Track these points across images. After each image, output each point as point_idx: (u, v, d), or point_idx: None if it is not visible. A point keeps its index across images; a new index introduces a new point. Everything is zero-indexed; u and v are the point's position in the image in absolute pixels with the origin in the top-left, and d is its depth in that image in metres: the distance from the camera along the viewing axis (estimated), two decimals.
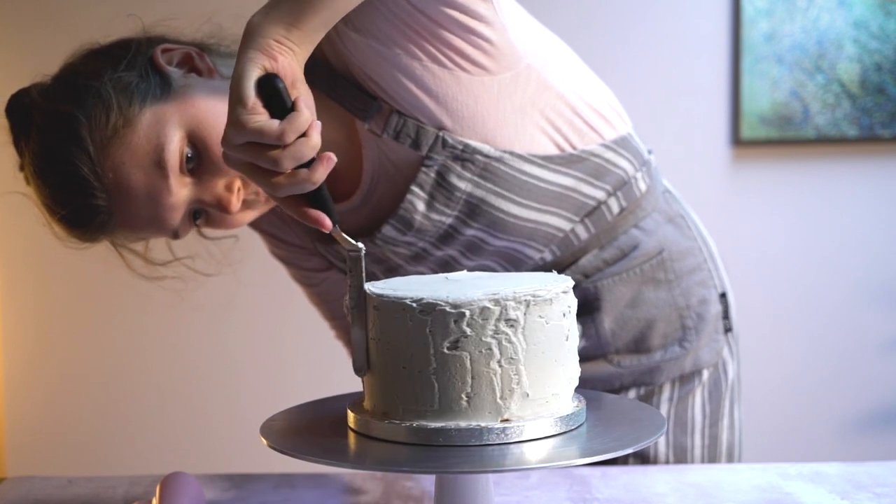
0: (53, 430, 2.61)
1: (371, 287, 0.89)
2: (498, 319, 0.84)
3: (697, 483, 1.16)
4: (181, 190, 1.12)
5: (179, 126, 1.11)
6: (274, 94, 0.85)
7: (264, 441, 0.89)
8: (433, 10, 1.07)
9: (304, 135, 0.85)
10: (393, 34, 1.09)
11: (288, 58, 0.87)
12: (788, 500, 1.10)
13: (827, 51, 2.52)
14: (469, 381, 0.85)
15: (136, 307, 2.45)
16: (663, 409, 1.28)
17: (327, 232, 0.89)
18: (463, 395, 0.85)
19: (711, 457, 1.31)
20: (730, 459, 1.33)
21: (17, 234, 2.47)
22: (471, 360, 0.84)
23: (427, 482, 1.19)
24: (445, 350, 0.84)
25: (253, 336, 2.59)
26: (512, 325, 0.85)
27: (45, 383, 2.61)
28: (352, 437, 0.90)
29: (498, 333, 0.85)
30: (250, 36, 0.87)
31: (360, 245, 0.90)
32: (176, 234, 1.18)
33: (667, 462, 1.29)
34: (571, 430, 0.88)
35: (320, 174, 0.87)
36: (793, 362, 2.62)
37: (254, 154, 0.86)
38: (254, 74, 0.85)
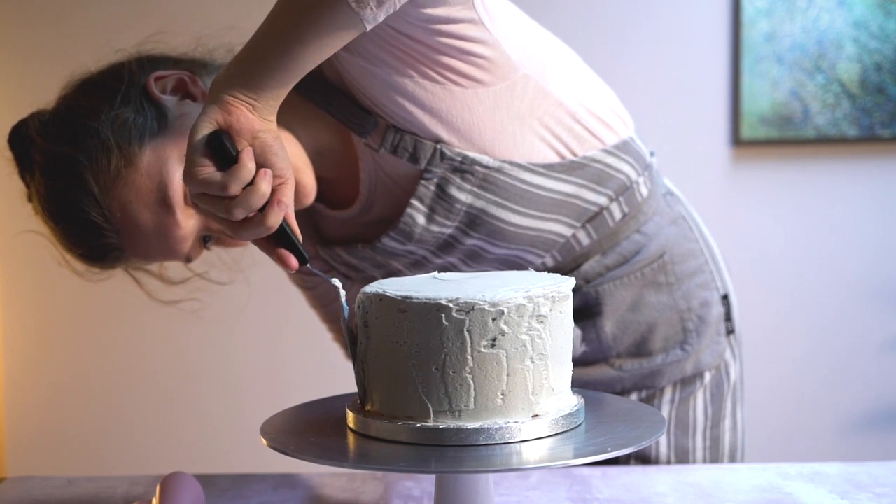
0: (53, 430, 2.61)
1: (389, 289, 0.88)
2: (531, 316, 0.86)
3: (697, 483, 1.16)
4: (188, 222, 1.14)
5: (180, 161, 1.12)
6: (220, 149, 0.91)
7: (264, 441, 0.89)
8: (424, 37, 1.06)
9: (252, 184, 0.90)
10: (382, 56, 1.08)
11: (244, 111, 0.91)
12: (788, 500, 1.10)
13: (827, 51, 2.52)
14: (505, 378, 0.85)
15: (136, 307, 2.43)
16: (664, 411, 1.28)
17: (293, 272, 0.96)
18: (499, 394, 0.85)
19: (713, 458, 1.31)
20: (732, 461, 1.33)
21: (15, 232, 2.47)
22: (507, 357, 0.85)
23: (427, 482, 1.19)
24: (482, 349, 0.84)
25: (253, 336, 2.59)
26: (541, 322, 0.86)
27: (45, 383, 2.61)
28: (351, 437, 0.90)
29: (531, 330, 0.86)
30: (211, 92, 0.92)
31: (337, 282, 0.95)
32: (189, 259, 1.20)
33: (668, 464, 1.28)
34: (571, 429, 0.89)
35: (273, 219, 0.92)
36: (793, 362, 2.62)
37: (210, 204, 0.92)
38: (204, 129, 0.91)
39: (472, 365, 0.84)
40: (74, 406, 2.61)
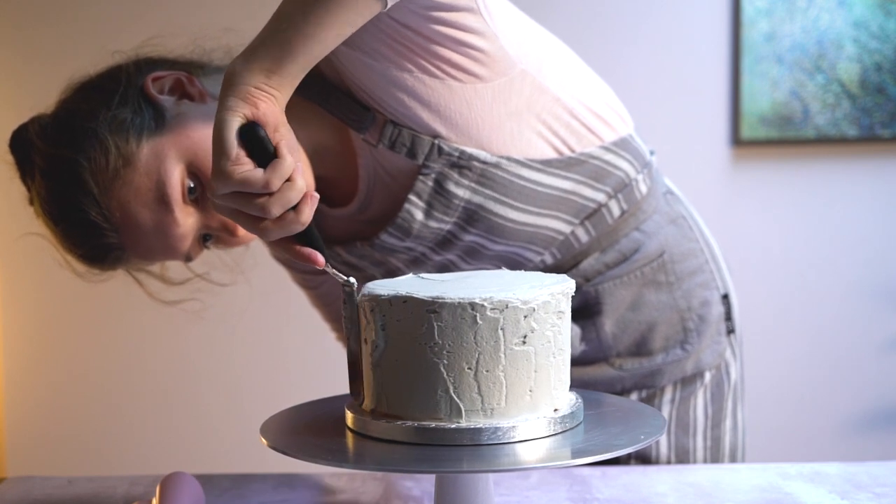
0: (53, 430, 2.61)
1: (413, 290, 0.86)
2: (553, 312, 0.87)
3: (697, 483, 1.16)
4: (187, 220, 1.14)
5: (178, 159, 1.12)
6: (256, 143, 0.86)
7: (264, 441, 0.89)
8: (422, 26, 1.06)
9: (288, 179, 0.86)
10: (381, 49, 1.08)
11: (269, 103, 0.87)
12: (788, 500, 1.10)
13: (827, 51, 2.52)
14: (533, 375, 0.86)
15: (136, 307, 2.43)
16: (665, 411, 1.28)
17: (320, 268, 0.91)
18: (527, 390, 0.86)
19: (714, 458, 1.31)
20: (732, 461, 1.33)
21: (16, 233, 2.46)
22: (535, 354, 0.86)
23: (427, 482, 1.19)
24: (514, 346, 0.85)
25: (253, 337, 2.59)
26: (560, 318, 0.88)
27: (45, 383, 2.61)
28: (351, 437, 0.90)
29: (553, 326, 0.87)
30: (231, 83, 0.87)
31: (353, 280, 0.92)
32: (188, 258, 1.20)
33: (668, 464, 1.28)
34: (570, 428, 0.89)
35: (307, 215, 0.88)
36: (793, 362, 2.62)
37: (241, 202, 0.87)
38: (235, 123, 0.86)
39: (504, 363, 0.85)
40: (74, 406, 2.61)
